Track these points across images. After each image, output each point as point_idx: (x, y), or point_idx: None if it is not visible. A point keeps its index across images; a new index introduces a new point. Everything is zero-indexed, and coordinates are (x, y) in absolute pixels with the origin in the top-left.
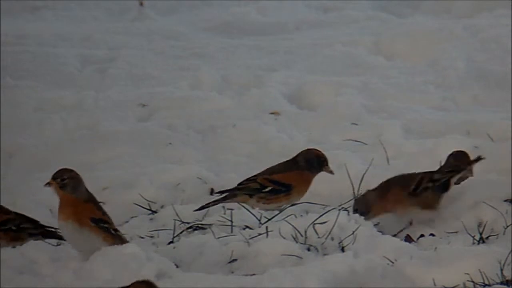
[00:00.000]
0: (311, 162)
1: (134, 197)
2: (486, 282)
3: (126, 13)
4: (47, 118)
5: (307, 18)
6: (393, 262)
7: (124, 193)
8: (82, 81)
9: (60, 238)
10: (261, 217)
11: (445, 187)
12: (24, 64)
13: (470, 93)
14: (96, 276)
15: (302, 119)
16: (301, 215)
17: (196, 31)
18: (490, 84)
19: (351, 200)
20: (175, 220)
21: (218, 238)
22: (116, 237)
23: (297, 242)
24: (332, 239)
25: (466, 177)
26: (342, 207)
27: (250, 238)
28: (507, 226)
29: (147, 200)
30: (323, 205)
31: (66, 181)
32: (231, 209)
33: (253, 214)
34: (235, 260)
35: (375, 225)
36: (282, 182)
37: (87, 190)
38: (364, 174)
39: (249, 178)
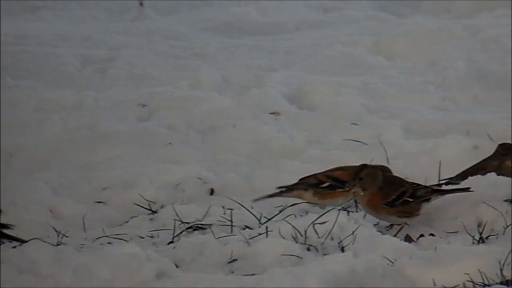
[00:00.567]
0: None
1: (134, 197)
2: (486, 282)
3: (126, 13)
4: (47, 118)
5: (307, 18)
6: (393, 262)
7: (124, 193)
8: (82, 81)
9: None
10: (261, 217)
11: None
12: (24, 64)
13: (470, 93)
14: (96, 276)
15: (302, 119)
16: (301, 215)
17: (196, 31)
18: (490, 84)
19: (351, 200)
20: (175, 220)
21: (218, 238)
22: None
23: (297, 242)
24: (332, 239)
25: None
26: (342, 207)
27: (250, 238)
28: (507, 226)
29: (147, 200)
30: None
31: None
32: (231, 209)
33: (253, 214)
34: (235, 260)
35: (375, 225)
36: (341, 179)
37: None
38: None
39: (311, 174)
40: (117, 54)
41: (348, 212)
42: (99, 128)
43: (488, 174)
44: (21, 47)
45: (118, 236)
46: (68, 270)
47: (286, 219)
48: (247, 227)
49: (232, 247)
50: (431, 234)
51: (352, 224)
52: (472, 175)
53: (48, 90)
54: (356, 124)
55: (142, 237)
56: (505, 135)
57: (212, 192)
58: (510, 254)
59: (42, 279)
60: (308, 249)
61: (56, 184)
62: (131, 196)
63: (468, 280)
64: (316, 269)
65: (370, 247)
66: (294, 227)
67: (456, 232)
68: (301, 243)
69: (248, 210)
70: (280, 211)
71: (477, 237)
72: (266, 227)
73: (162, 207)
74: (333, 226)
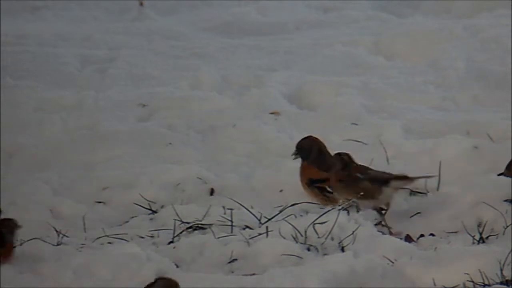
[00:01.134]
0: None
1: (134, 197)
2: (486, 282)
3: (126, 13)
4: (47, 118)
5: (307, 18)
6: (393, 262)
7: (124, 193)
8: (82, 81)
9: None
10: (261, 217)
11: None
12: (24, 64)
13: (470, 93)
14: (96, 276)
15: (302, 119)
16: (301, 215)
17: (196, 31)
18: (490, 84)
19: (351, 200)
20: (175, 220)
21: (218, 238)
22: None
23: (297, 242)
24: (332, 239)
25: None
26: (342, 207)
27: (250, 238)
28: (507, 226)
29: (147, 200)
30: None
31: None
32: (231, 209)
33: (253, 214)
34: (235, 260)
35: (375, 225)
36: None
37: None
38: None
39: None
40: (117, 54)
41: (348, 212)
42: (99, 128)
43: (488, 174)
44: (21, 47)
45: (118, 236)
46: (68, 270)
47: (286, 219)
48: (247, 227)
49: (232, 247)
50: (431, 234)
51: (352, 224)
52: None
53: (48, 90)
54: (356, 124)
55: (142, 237)
56: (505, 135)
57: (212, 192)
58: (510, 254)
59: (42, 279)
60: (308, 249)
61: (56, 184)
62: (131, 196)
63: (468, 280)
64: (316, 269)
65: (370, 247)
66: (294, 227)
67: (456, 232)
68: (301, 243)
69: (248, 210)
70: (280, 211)
71: (477, 237)
72: (266, 227)
73: (162, 207)
74: (333, 226)
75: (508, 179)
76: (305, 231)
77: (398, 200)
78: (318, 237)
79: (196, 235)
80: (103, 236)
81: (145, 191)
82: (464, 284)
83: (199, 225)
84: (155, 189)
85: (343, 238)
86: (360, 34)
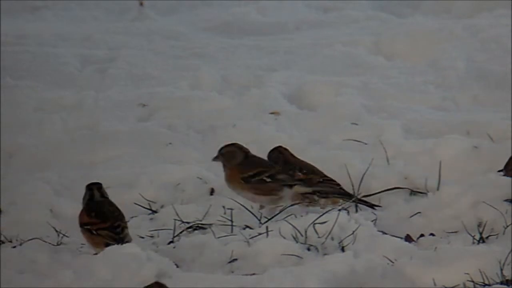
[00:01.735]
0: None
1: (134, 197)
2: (486, 282)
3: (126, 13)
4: (47, 118)
5: (307, 18)
6: (393, 262)
7: (124, 193)
8: (82, 81)
9: None
10: (261, 217)
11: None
12: (24, 64)
13: (470, 93)
14: (96, 276)
15: (302, 119)
16: (301, 215)
17: (196, 31)
18: (490, 84)
19: (351, 200)
20: (175, 220)
21: (218, 238)
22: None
23: (297, 242)
24: (332, 239)
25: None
26: (342, 207)
27: (250, 238)
28: (507, 226)
29: (147, 200)
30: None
31: None
32: (231, 209)
33: (253, 214)
34: (235, 260)
35: (375, 224)
36: None
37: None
38: (364, 174)
39: None
40: (117, 54)
41: (348, 212)
42: (99, 128)
43: (488, 174)
44: (21, 47)
45: None
46: (68, 270)
47: (286, 219)
48: (247, 227)
49: (232, 247)
50: (431, 234)
51: (352, 224)
52: None
53: (48, 90)
54: (356, 124)
55: (142, 237)
56: (505, 135)
57: (212, 192)
58: (510, 254)
59: (42, 279)
60: (308, 249)
61: (56, 184)
62: (131, 196)
63: (468, 280)
64: (316, 269)
65: (370, 247)
66: (294, 227)
67: (456, 232)
68: (301, 243)
69: (248, 210)
70: (280, 211)
71: (477, 237)
72: (266, 227)
73: (162, 207)
74: (333, 226)
75: (508, 179)
76: (305, 231)
77: (398, 200)
78: (318, 237)
79: (196, 235)
80: None
81: (145, 191)
82: (464, 284)
83: (199, 225)
84: (155, 189)
85: (343, 238)
86: (360, 34)
